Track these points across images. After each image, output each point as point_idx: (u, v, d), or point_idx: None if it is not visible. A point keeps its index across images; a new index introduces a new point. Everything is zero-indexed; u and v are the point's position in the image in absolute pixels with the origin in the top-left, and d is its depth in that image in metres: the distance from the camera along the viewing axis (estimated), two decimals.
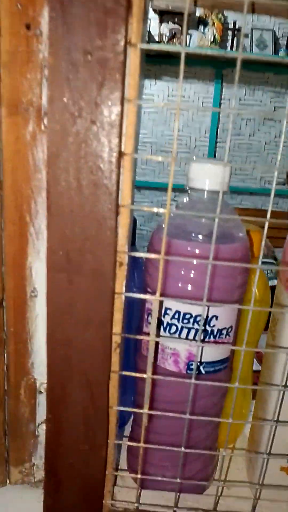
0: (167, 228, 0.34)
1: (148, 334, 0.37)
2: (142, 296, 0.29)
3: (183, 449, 0.32)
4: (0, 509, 0.37)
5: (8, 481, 0.39)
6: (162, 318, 0.34)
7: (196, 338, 0.33)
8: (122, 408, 0.31)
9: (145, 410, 0.31)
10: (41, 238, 0.33)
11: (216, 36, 2.21)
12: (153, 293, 0.33)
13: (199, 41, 2.23)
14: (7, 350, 0.35)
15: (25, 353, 0.35)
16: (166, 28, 2.14)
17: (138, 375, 0.30)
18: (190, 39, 2.25)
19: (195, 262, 0.32)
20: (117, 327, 0.29)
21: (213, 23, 2.20)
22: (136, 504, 0.34)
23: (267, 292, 0.42)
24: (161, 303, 0.34)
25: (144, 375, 0.30)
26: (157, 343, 0.35)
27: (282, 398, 0.35)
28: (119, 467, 0.39)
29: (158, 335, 0.34)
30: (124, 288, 0.28)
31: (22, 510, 0.37)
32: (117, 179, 0.24)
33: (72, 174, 0.24)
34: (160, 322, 0.34)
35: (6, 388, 0.36)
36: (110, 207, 0.25)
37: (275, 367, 0.36)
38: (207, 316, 0.33)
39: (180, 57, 0.22)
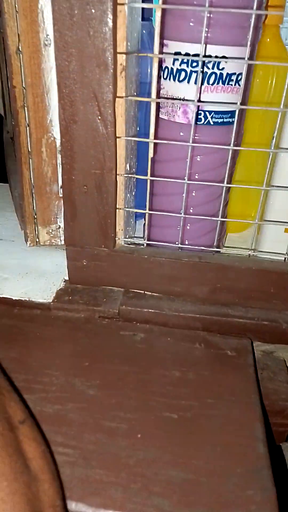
0: None
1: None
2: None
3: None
4: (34, 263, 0.43)
5: (38, 242, 0.44)
6: (172, 66, 0.35)
7: (201, 82, 0.34)
8: (130, 138, 0.33)
9: (151, 140, 0.33)
10: None
11: None
12: (168, 46, 0.34)
13: None
14: (27, 104, 0.37)
15: (43, 108, 0.38)
16: None
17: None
18: None
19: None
20: (121, 47, 0.30)
21: None
22: (145, 242, 0.37)
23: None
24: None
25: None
26: (165, 96, 0.36)
27: None
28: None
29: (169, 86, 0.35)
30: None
31: (51, 264, 0.42)
32: None
33: None
34: (169, 72, 0.35)
35: (29, 147, 0.39)
36: None
37: None
38: (216, 58, 0.33)
39: None
